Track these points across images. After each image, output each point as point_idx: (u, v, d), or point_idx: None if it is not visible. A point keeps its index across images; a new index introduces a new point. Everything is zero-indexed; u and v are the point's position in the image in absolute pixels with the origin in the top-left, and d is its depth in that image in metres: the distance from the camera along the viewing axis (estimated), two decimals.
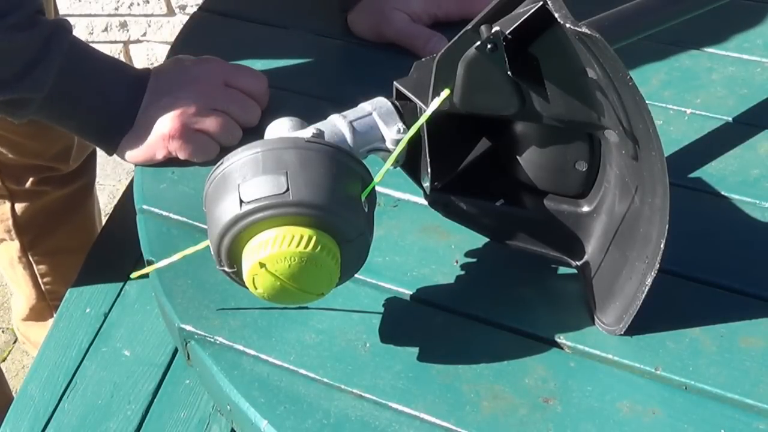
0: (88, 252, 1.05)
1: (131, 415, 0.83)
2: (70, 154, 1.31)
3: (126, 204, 1.03)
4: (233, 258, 0.60)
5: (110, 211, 1.13)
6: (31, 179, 1.26)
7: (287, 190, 0.57)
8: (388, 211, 0.75)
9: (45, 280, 1.38)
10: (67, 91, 0.78)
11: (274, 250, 0.57)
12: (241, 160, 0.59)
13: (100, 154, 1.45)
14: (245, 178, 0.58)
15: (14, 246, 1.32)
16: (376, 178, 0.61)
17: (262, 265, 0.57)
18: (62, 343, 0.91)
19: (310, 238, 0.57)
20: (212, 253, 0.61)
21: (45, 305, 1.41)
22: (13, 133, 1.20)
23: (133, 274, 0.68)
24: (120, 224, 1.01)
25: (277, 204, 0.57)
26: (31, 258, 1.35)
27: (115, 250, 0.96)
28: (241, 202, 0.57)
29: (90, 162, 1.41)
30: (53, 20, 0.78)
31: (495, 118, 0.64)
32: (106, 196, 2.01)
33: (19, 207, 1.28)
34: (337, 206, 0.58)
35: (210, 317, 0.69)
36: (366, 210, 0.60)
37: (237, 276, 0.61)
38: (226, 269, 0.61)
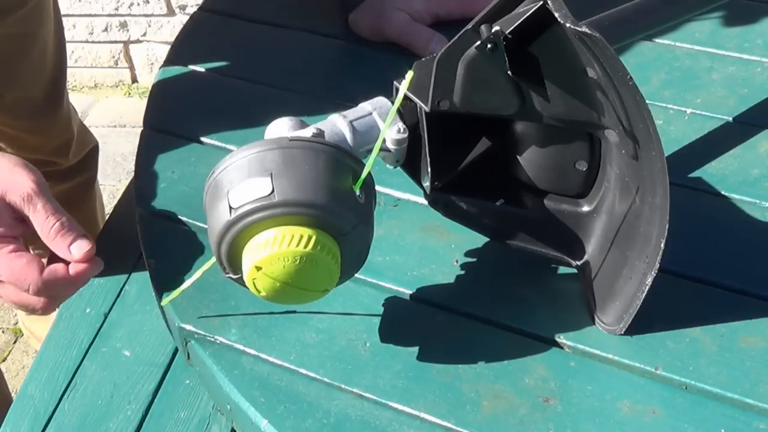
0: None
1: (131, 415, 0.83)
2: (69, 149, 1.30)
3: (126, 204, 1.03)
4: (235, 264, 0.60)
5: (110, 211, 1.13)
6: None
7: (272, 191, 0.57)
8: (388, 211, 0.75)
9: None
10: None
11: (266, 253, 0.57)
12: (230, 166, 0.59)
13: (101, 153, 1.45)
14: (233, 184, 0.58)
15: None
16: (366, 168, 0.60)
17: (258, 268, 0.57)
18: (62, 343, 0.91)
19: (301, 237, 0.57)
20: (217, 262, 0.61)
21: None
22: (12, 127, 1.19)
23: (165, 300, 0.69)
24: (120, 224, 1.01)
25: (264, 206, 0.57)
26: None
27: (115, 250, 0.95)
28: (231, 208, 0.57)
29: (91, 157, 1.40)
30: None
31: (495, 117, 0.64)
32: (107, 196, 2.01)
33: None
34: (325, 201, 0.57)
35: (210, 317, 0.69)
36: (361, 201, 0.60)
37: (242, 282, 0.61)
38: (233, 276, 0.61)
